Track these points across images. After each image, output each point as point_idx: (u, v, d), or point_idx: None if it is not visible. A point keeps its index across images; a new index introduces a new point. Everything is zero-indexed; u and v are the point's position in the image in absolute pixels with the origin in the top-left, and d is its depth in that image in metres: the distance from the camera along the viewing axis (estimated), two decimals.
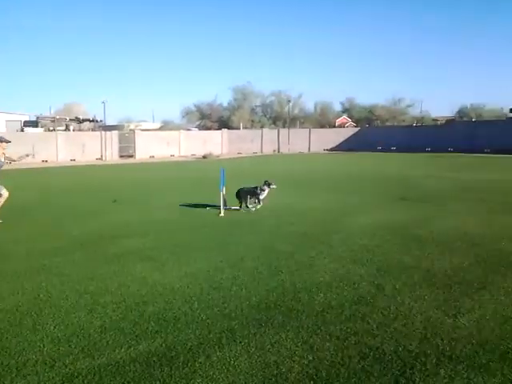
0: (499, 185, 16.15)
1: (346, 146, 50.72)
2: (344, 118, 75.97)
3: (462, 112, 74.62)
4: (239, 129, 58.07)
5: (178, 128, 54.35)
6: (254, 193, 11.07)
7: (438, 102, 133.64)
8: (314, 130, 55.19)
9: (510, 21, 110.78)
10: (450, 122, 59.12)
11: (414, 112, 75.67)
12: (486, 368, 3.49)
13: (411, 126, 57.21)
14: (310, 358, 3.70)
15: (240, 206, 11.05)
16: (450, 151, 42.27)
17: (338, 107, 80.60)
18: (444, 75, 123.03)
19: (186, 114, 72.09)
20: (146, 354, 3.85)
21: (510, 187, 15.42)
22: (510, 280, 5.50)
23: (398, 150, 45.18)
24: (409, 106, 75.82)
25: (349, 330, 4.19)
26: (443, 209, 10.83)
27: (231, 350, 3.87)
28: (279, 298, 5.07)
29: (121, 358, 3.78)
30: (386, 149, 47.12)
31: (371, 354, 3.75)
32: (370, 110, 75.55)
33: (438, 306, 4.72)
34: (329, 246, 7.32)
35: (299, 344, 3.95)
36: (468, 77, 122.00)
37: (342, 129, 62.67)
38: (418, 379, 3.35)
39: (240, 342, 4.01)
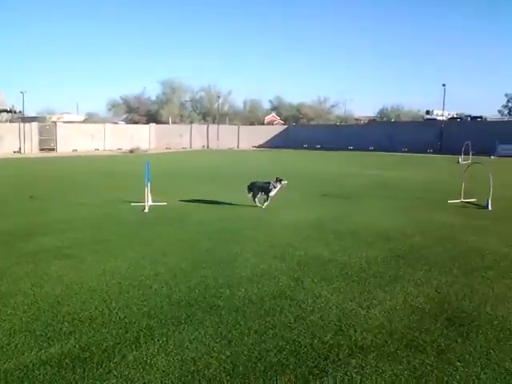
0: (413, 182, 17.14)
1: (274, 144, 51.55)
2: (273, 116, 77.10)
3: (382, 113, 78.32)
4: (168, 123, 57.14)
5: (103, 121, 52.38)
6: (266, 189, 10.87)
7: (361, 102, 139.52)
8: (243, 127, 55.52)
9: (431, 27, 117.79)
10: (371, 122, 61.76)
11: (339, 112, 78.31)
12: (394, 356, 3.68)
13: (335, 125, 59.21)
14: (228, 354, 3.71)
15: (254, 201, 10.91)
16: (371, 150, 44.21)
17: (266, 105, 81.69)
18: (368, 77, 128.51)
19: (112, 106, 69.63)
20: (58, 356, 3.68)
21: (422, 184, 16.41)
22: (419, 272, 5.84)
23: (323, 148, 46.61)
24: (333, 105, 78.37)
25: (267, 324, 4.25)
26: (362, 205, 11.31)
27: (148, 349, 3.80)
28: (201, 294, 5.05)
29: (30, 362, 3.58)
30: (312, 147, 48.43)
31: (288, 346, 3.83)
32: (298, 109, 77.21)
33: (353, 298, 4.92)
34: (253, 242, 7.40)
35: (218, 340, 3.95)
36: (390, 79, 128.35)
37: (270, 126, 63.61)
38: (330, 370, 3.47)
39: (158, 341, 3.94)
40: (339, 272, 5.83)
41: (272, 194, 10.86)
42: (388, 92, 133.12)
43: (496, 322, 4.33)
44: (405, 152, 41.18)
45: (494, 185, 11.13)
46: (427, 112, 61.77)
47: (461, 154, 26.92)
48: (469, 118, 51.62)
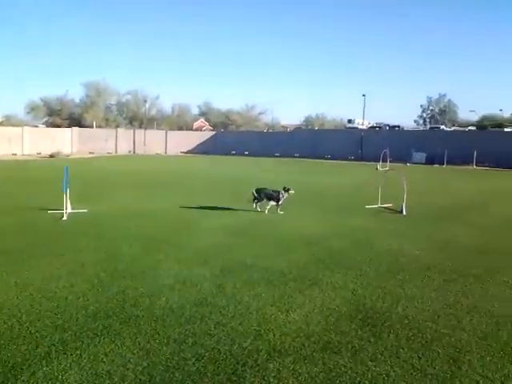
0: (334, 188, 17.80)
1: (203, 149, 51.36)
2: (201, 122, 76.85)
3: (307, 121, 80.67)
4: (92, 127, 55.12)
5: (22, 124, 49.47)
6: (274, 197, 11.09)
7: (287, 110, 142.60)
8: (171, 132, 54.86)
9: (354, 40, 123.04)
10: (297, 129, 63.36)
11: (266, 119, 79.61)
12: (311, 358, 3.78)
13: (263, 132, 60.15)
14: (145, 364, 3.63)
15: (255, 205, 11.25)
16: (296, 156, 45.33)
17: (195, 110, 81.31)
18: (294, 85, 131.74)
19: (32, 109, 65.80)
20: None
21: (342, 190, 17.08)
22: (337, 275, 6.05)
23: (251, 155, 47.05)
24: (261, 113, 79.56)
25: (187, 332, 4.21)
26: (285, 210, 11.52)
27: (60, 364, 3.62)
28: (119, 304, 4.90)
29: None
30: (240, 153, 48.77)
31: (207, 354, 3.81)
32: (227, 115, 77.59)
33: (274, 303, 4.99)
34: (176, 249, 7.31)
35: (135, 351, 3.85)
36: (316, 88, 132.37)
37: (199, 132, 63.35)
38: (248, 375, 3.50)
39: (71, 355, 3.77)
40: (261, 277, 5.90)
41: (280, 202, 11.12)
42: (313, 101, 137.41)
43: (406, 322, 4.58)
44: (328, 159, 42.63)
45: (408, 190, 11.78)
46: (349, 121, 64.27)
47: (379, 161, 28.26)
48: (387, 127, 54.37)
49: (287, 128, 70.37)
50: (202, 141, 54.16)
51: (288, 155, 45.30)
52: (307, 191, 16.13)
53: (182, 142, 52.46)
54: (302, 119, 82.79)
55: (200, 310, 4.74)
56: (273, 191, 11.22)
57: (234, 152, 49.26)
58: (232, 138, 55.74)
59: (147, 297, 5.12)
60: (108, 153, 46.08)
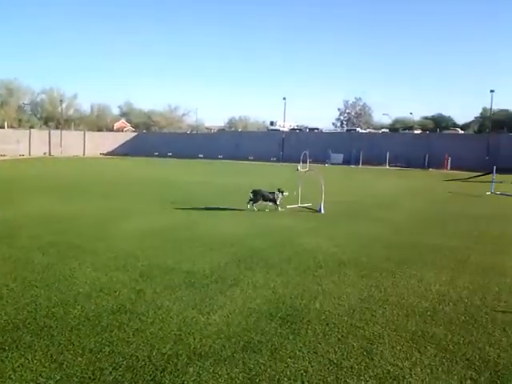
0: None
1: (124, 151, 50.00)
2: (123, 122, 74.76)
3: (231, 122, 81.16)
4: (3, 128, 51.57)
5: None
6: (268, 197, 11.94)
7: (211, 112, 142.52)
8: (89, 133, 52.82)
9: (275, 43, 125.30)
10: (220, 131, 63.51)
11: (190, 120, 79.07)
12: (231, 360, 3.79)
13: (186, 133, 59.63)
14: (58, 377, 3.45)
15: (252, 204, 11.93)
16: (220, 158, 45.43)
17: (116, 111, 78.85)
18: (219, 86, 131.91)
19: None
20: None
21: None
22: (258, 275, 6.13)
23: (174, 156, 46.49)
24: (184, 114, 78.88)
25: (104, 341, 4.06)
26: (209, 211, 11.52)
27: None
28: (30, 315, 4.62)
29: None
30: (163, 154, 48.02)
31: (124, 362, 3.69)
32: (149, 116, 76.03)
33: (195, 306, 4.95)
34: (93, 255, 7.02)
35: (47, 364, 3.65)
36: (239, 91, 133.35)
37: (119, 133, 61.59)
38: (167, 381, 3.44)
39: None
40: (182, 280, 5.83)
41: (278, 202, 11.94)
42: (237, 103, 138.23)
43: (323, 317, 4.73)
44: (251, 160, 43.12)
45: (326, 190, 12.21)
46: (271, 123, 65.63)
47: (300, 162, 29.03)
48: (307, 130, 56.08)
49: (211, 130, 70.38)
50: (122, 142, 52.75)
51: (212, 157, 45.33)
52: (231, 192, 16.23)
53: (101, 143, 50.75)
54: (226, 121, 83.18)
55: (118, 318, 4.59)
56: (269, 193, 12.01)
57: (156, 153, 48.41)
58: (155, 139, 54.80)
59: (61, 306, 4.88)
60: (20, 155, 43.31)
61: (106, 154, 49.48)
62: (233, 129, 72.89)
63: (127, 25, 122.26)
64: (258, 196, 11.93)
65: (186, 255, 7.08)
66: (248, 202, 11.98)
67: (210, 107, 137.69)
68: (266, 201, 12.01)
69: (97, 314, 4.69)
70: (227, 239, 8.25)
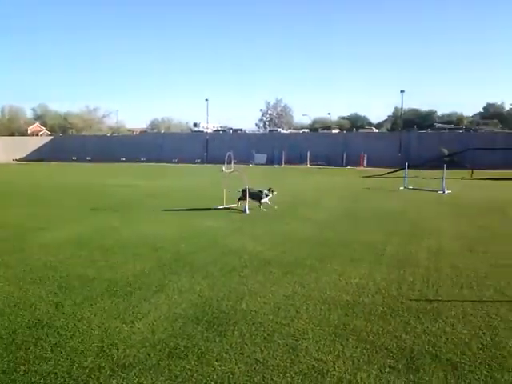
0: (181, 191, 17.85)
1: (39, 156, 47.54)
2: (37, 126, 70.93)
3: (153, 124, 79.64)
4: None
5: None
6: (256, 196, 12.37)
7: (133, 113, 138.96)
8: (1, 138, 49.49)
9: (196, 45, 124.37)
10: (142, 133, 62.11)
11: (111, 122, 76.60)
12: (156, 368, 3.70)
13: (106, 135, 57.66)
14: None
15: (238, 204, 12.52)
16: (143, 161, 44.42)
17: (29, 113, 74.53)
18: (140, 88, 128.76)
19: None
20: None
21: (189, 192, 17.22)
22: (184, 279, 6.05)
23: (94, 160, 44.79)
24: (104, 116, 76.26)
25: (19, 360, 3.81)
26: (131, 216, 11.21)
27: None
28: None
29: None
30: (82, 158, 46.11)
31: (41, 381, 3.49)
32: (65, 118, 72.66)
33: (118, 315, 4.79)
34: (5, 267, 6.57)
35: None
36: (162, 91, 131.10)
37: (34, 137, 58.46)
38: None
39: None
40: (104, 290, 5.62)
41: (263, 201, 12.32)
42: (159, 104, 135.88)
43: (250, 317, 4.76)
44: (175, 162, 42.57)
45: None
46: (195, 124, 65.17)
47: (224, 163, 29.08)
48: (231, 131, 56.37)
49: (133, 132, 68.60)
50: (38, 146, 50.01)
51: (134, 159, 44.18)
52: (153, 195, 15.94)
53: (14, 148, 47.80)
54: (148, 123, 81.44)
55: (34, 333, 4.33)
56: (258, 191, 12.43)
57: (74, 158, 46.38)
58: (72, 142, 52.56)
59: None
60: None
61: (19, 160, 46.59)
62: (155, 130, 71.45)
63: (36, 22, 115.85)
64: (246, 195, 12.28)
65: (108, 263, 6.83)
66: (238, 200, 12.55)
67: (131, 109, 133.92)
68: (253, 199, 12.37)
69: (11, 331, 4.40)
70: (151, 244, 8.07)
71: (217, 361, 3.83)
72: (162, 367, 3.71)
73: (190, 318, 4.75)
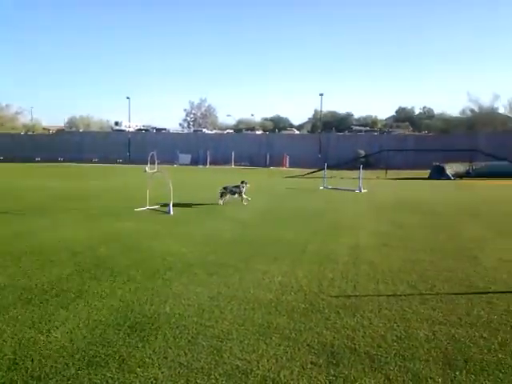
0: (102, 192, 17.23)
1: None
2: None
3: (71, 122, 76.16)
4: None
5: None
6: (235, 191, 13.64)
7: (49, 111, 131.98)
8: None
9: (116, 42, 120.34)
10: (60, 131, 59.17)
11: (25, 120, 72.31)
12: (75, 378, 3.54)
13: (20, 134, 54.34)
14: None
15: (220, 201, 13.43)
16: (61, 161, 42.33)
17: None
18: (58, 85, 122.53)
19: None
20: None
21: (110, 193, 16.67)
22: (105, 284, 5.85)
23: (5, 161, 41.98)
24: (18, 113, 71.79)
25: None
26: (45, 220, 10.64)
27: None
28: None
29: None
30: None
31: None
32: None
33: (32, 325, 4.53)
34: None
35: None
36: (78, 89, 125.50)
37: None
38: None
39: None
40: (18, 298, 5.29)
41: (243, 193, 13.72)
42: (78, 102, 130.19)
43: (173, 320, 4.70)
44: (95, 162, 41.01)
45: (175, 191, 12.17)
46: (116, 123, 63.13)
47: (147, 163, 28.48)
48: (154, 130, 55.27)
49: (49, 130, 65.16)
50: None
51: (51, 159, 41.94)
52: (70, 198, 15.27)
53: None
54: (66, 120, 77.64)
55: None
56: (234, 187, 13.69)
57: None
58: None
59: None
60: None
61: None
62: (73, 129, 68.28)
63: None
64: (227, 191, 13.41)
65: (22, 270, 6.44)
66: (219, 198, 13.36)
67: (47, 106, 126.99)
68: (233, 194, 13.58)
69: None
70: (69, 248, 7.71)
71: (139, 367, 3.74)
72: (81, 377, 3.56)
73: (111, 324, 4.60)
